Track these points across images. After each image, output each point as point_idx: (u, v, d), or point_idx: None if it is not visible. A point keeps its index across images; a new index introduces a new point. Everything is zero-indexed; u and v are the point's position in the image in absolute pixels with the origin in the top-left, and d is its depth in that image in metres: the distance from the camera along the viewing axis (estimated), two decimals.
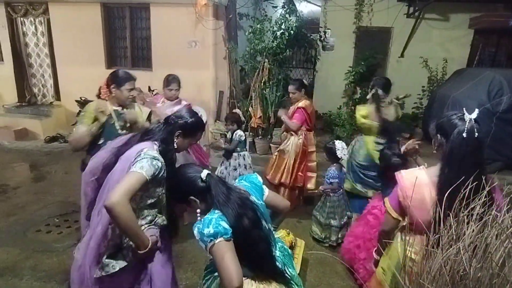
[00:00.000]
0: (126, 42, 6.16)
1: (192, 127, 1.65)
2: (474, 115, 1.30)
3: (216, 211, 1.29)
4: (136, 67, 6.10)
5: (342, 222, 3.00)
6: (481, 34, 6.72)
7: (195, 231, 1.24)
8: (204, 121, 3.49)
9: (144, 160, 1.42)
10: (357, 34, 6.96)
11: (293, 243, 2.63)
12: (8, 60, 6.69)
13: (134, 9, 5.99)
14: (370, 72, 6.46)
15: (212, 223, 1.21)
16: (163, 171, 1.49)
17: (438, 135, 1.39)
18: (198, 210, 1.39)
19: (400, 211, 1.43)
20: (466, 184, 1.12)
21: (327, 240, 3.04)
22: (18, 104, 6.78)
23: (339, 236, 3.00)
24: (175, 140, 1.61)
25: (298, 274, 2.40)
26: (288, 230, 2.74)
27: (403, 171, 1.43)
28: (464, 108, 1.34)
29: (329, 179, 3.01)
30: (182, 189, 1.41)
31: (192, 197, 1.37)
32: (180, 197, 1.43)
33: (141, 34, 6.12)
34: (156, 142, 1.56)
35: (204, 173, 1.38)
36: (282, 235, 2.59)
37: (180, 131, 1.61)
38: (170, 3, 5.44)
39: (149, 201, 1.53)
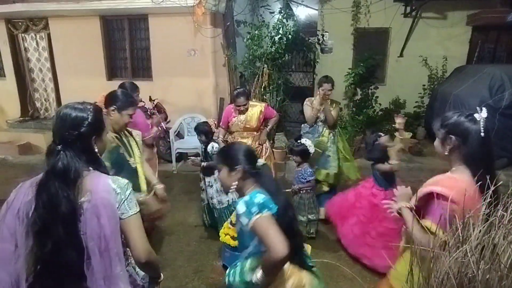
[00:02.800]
0: (126, 53, 6.22)
1: (98, 120, 1.33)
2: (484, 113, 1.28)
3: (263, 194, 1.36)
4: (137, 77, 6.14)
5: (318, 214, 3.28)
6: (480, 30, 6.71)
7: (241, 203, 1.32)
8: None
9: (131, 197, 1.26)
10: (355, 35, 6.98)
11: None
12: (11, 76, 6.77)
13: (132, 21, 6.05)
14: (370, 73, 6.46)
15: (262, 196, 1.32)
16: None
17: (452, 137, 1.33)
18: (235, 183, 1.45)
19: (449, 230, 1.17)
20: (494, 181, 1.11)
21: (311, 234, 3.24)
22: (21, 119, 6.84)
23: (317, 228, 3.29)
24: (95, 149, 1.33)
25: None
26: None
27: (440, 187, 1.25)
28: (477, 107, 1.32)
29: (305, 178, 3.16)
30: (236, 157, 1.46)
31: (240, 167, 1.43)
32: (229, 161, 1.47)
33: (140, 44, 6.18)
34: (90, 168, 1.27)
35: (260, 162, 1.51)
36: None
37: (94, 136, 1.31)
38: (168, 13, 5.49)
39: None
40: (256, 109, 3.34)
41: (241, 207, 1.32)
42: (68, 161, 1.21)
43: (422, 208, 1.33)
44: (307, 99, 3.62)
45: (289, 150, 3.52)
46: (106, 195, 1.21)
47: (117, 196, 1.23)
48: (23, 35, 6.57)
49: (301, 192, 3.19)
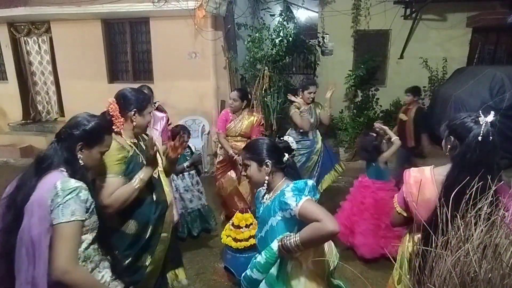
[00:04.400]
0: (127, 57, 6.25)
1: (95, 132, 1.35)
2: (490, 118, 1.26)
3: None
4: (138, 80, 6.16)
5: None
6: (480, 32, 6.73)
7: (290, 188, 1.33)
8: (207, 131, 3.48)
9: (70, 202, 1.15)
10: (355, 38, 7.00)
11: None
12: (13, 79, 6.80)
13: (134, 24, 6.09)
14: (370, 75, 6.48)
15: (310, 183, 1.36)
16: (91, 197, 1.25)
17: (452, 137, 1.35)
18: (266, 177, 1.45)
19: (405, 206, 1.47)
20: (472, 185, 1.10)
21: None
22: (23, 122, 6.87)
23: None
24: (79, 156, 1.32)
25: None
26: None
27: (411, 169, 1.46)
28: (480, 111, 1.30)
29: None
30: (264, 151, 1.46)
31: (269, 162, 1.44)
32: (257, 156, 1.47)
33: (141, 48, 6.21)
34: (62, 169, 1.25)
35: (287, 156, 1.51)
36: None
37: (81, 143, 1.32)
38: (169, 16, 5.52)
39: (90, 238, 1.27)
40: (253, 118, 3.38)
41: (288, 193, 1.32)
42: (49, 153, 1.28)
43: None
44: (292, 105, 3.46)
45: None
46: (45, 194, 1.16)
47: (55, 198, 1.15)
48: (25, 38, 6.61)
49: None
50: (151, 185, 1.80)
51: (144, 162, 1.75)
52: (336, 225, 1.21)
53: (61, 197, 1.15)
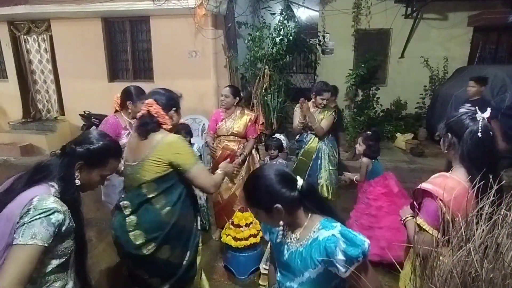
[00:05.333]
0: (128, 55, 6.24)
1: (99, 154, 1.26)
2: (486, 114, 1.27)
3: (333, 223, 1.14)
4: (138, 79, 6.16)
5: None
6: (481, 31, 6.71)
7: (341, 249, 1.04)
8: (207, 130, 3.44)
9: (35, 223, 1.04)
10: (356, 37, 6.99)
11: None
12: (13, 78, 6.79)
13: (134, 23, 6.07)
14: (371, 74, 6.46)
15: (359, 236, 1.07)
16: (68, 221, 1.13)
17: (449, 134, 1.35)
18: (281, 223, 1.17)
19: (441, 228, 1.22)
20: (489, 182, 1.09)
21: None
22: (23, 120, 6.86)
23: None
24: (76, 175, 1.22)
25: None
26: None
27: (431, 184, 1.27)
28: (477, 107, 1.31)
29: None
30: (268, 194, 1.13)
31: (278, 206, 1.11)
32: (262, 204, 1.16)
33: (142, 46, 6.20)
34: (52, 183, 1.17)
35: (300, 181, 1.15)
36: None
37: (81, 161, 1.23)
38: (169, 14, 5.51)
39: (57, 263, 1.14)
40: (246, 117, 3.19)
41: (340, 254, 1.04)
42: (45, 165, 1.21)
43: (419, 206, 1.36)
44: (298, 105, 3.30)
45: (265, 146, 3.49)
46: (16, 209, 1.07)
47: (24, 216, 1.05)
48: (25, 37, 6.60)
49: None
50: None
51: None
52: None
53: (30, 216, 1.04)
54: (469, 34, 6.73)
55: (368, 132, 2.93)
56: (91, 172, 1.27)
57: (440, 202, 1.22)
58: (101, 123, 2.51)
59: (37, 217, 1.05)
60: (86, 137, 1.30)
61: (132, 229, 1.68)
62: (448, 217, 1.15)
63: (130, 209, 1.69)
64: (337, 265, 1.04)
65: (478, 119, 1.26)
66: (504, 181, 1.26)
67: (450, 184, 1.25)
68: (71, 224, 1.15)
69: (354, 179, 2.91)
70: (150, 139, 1.67)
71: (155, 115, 1.67)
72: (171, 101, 1.76)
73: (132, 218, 1.69)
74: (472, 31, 6.70)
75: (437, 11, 6.63)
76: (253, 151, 3.28)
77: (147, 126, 1.67)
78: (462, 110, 1.42)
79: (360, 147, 2.84)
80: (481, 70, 5.51)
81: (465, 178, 1.27)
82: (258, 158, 3.37)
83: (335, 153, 3.40)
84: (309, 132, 3.30)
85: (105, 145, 1.29)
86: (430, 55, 6.79)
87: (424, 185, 1.30)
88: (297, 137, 3.46)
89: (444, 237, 1.04)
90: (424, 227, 1.27)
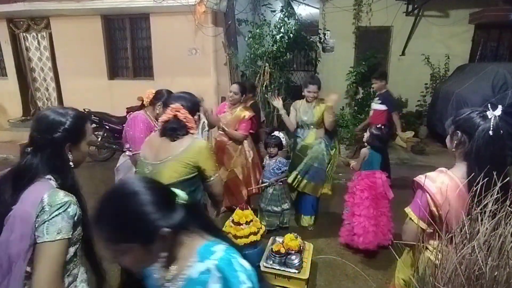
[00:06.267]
0: (127, 53, 6.22)
1: (76, 127, 1.21)
2: (498, 111, 1.26)
3: (215, 246, 0.86)
4: (138, 77, 6.14)
5: (290, 203, 3.39)
6: (482, 29, 6.68)
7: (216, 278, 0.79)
8: (207, 128, 3.43)
9: (57, 219, 1.05)
10: (356, 34, 6.95)
11: (301, 247, 2.60)
12: (12, 76, 6.78)
13: (134, 20, 6.05)
14: (372, 72, 6.43)
15: (241, 272, 0.80)
16: (79, 209, 1.14)
17: (459, 132, 1.32)
18: (162, 255, 0.85)
19: (428, 220, 1.27)
20: (493, 182, 1.08)
21: (285, 224, 3.36)
22: (23, 118, 6.85)
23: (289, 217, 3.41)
24: (69, 158, 1.19)
25: (308, 278, 2.38)
26: (295, 234, 2.71)
27: (425, 178, 1.29)
28: (489, 105, 1.29)
29: (280, 168, 3.30)
30: (144, 222, 0.79)
31: (164, 230, 0.80)
32: (137, 236, 0.80)
33: (141, 44, 6.18)
34: (49, 176, 1.14)
35: (181, 195, 0.89)
36: (289, 239, 2.58)
37: (68, 143, 1.18)
38: (169, 12, 5.48)
39: (73, 251, 1.17)
40: (242, 113, 3.26)
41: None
42: (28, 165, 1.15)
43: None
44: (293, 103, 3.37)
45: (264, 144, 3.49)
46: (30, 209, 1.05)
47: (41, 214, 1.04)
48: (24, 34, 6.58)
49: (277, 183, 3.29)
50: None
51: None
52: None
53: (48, 213, 1.05)
54: (470, 31, 6.70)
55: (379, 125, 3.12)
56: (79, 146, 1.24)
57: (428, 195, 1.27)
58: (129, 118, 2.47)
59: (56, 213, 1.06)
60: (49, 120, 1.17)
61: None
62: (434, 210, 1.25)
63: None
64: None
65: (490, 116, 1.25)
66: (508, 178, 1.24)
67: (441, 178, 1.28)
68: (79, 211, 1.15)
69: (351, 166, 3.12)
70: (178, 141, 1.72)
71: (183, 119, 1.72)
72: (196, 106, 1.84)
73: None
74: (473, 28, 6.67)
75: (438, 9, 6.60)
76: (246, 145, 3.34)
77: (177, 131, 1.72)
78: (467, 108, 1.38)
79: (366, 134, 3.04)
80: (482, 68, 5.49)
81: (461, 175, 1.28)
82: (251, 156, 3.36)
83: (329, 151, 3.34)
84: (306, 128, 3.30)
85: (75, 116, 1.22)
86: (431, 52, 6.76)
87: (417, 178, 1.34)
88: (297, 133, 3.45)
89: (430, 229, 1.03)
90: (410, 217, 1.33)
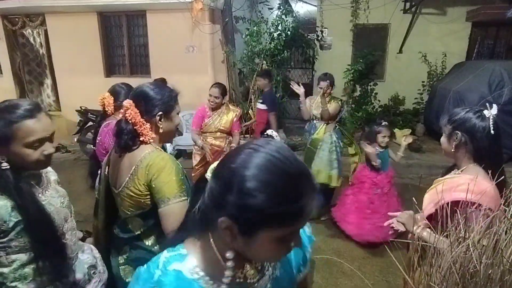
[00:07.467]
0: (124, 50, 6.18)
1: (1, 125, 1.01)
2: (494, 111, 1.26)
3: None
4: (135, 75, 6.11)
5: None
6: (479, 26, 6.69)
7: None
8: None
9: None
10: (354, 32, 6.95)
11: None
12: (8, 73, 6.72)
13: (130, 17, 6.01)
14: (369, 70, 6.45)
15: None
16: (12, 214, 1.05)
17: (458, 132, 1.30)
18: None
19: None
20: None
21: None
22: None
23: None
24: (3, 161, 1.04)
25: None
26: None
27: (470, 195, 1.10)
28: (487, 104, 1.30)
29: None
30: None
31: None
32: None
33: (138, 41, 6.14)
34: None
35: None
36: None
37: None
38: (166, 9, 5.45)
39: (26, 258, 1.10)
40: (232, 113, 3.28)
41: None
42: None
43: (443, 217, 1.12)
44: (309, 97, 3.56)
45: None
46: None
47: None
48: (20, 30, 6.51)
49: None
50: None
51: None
52: None
53: None
54: (468, 29, 6.71)
55: (381, 121, 3.11)
56: (11, 149, 1.03)
57: (487, 209, 1.09)
58: (102, 127, 2.19)
59: None
60: None
61: (123, 262, 1.37)
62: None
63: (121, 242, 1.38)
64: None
65: (488, 115, 1.26)
66: (503, 176, 1.25)
67: (484, 188, 1.15)
68: (17, 219, 1.04)
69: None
70: (130, 156, 1.24)
71: (131, 121, 1.22)
72: (156, 103, 1.26)
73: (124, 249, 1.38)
74: (470, 26, 6.68)
75: (436, 6, 6.60)
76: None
77: (121, 138, 1.23)
78: (462, 108, 1.38)
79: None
80: (479, 65, 5.51)
81: (487, 176, 1.22)
82: None
83: (340, 144, 3.51)
84: (317, 121, 3.43)
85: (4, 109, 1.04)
86: (428, 50, 6.77)
87: (458, 196, 1.15)
88: (306, 127, 3.60)
89: (443, 234, 1.03)
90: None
